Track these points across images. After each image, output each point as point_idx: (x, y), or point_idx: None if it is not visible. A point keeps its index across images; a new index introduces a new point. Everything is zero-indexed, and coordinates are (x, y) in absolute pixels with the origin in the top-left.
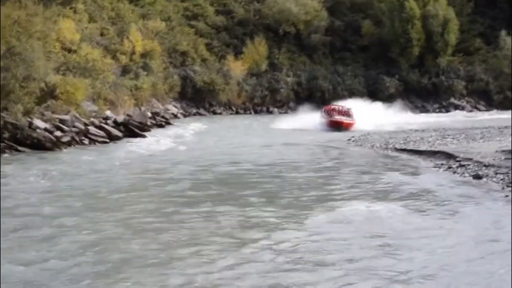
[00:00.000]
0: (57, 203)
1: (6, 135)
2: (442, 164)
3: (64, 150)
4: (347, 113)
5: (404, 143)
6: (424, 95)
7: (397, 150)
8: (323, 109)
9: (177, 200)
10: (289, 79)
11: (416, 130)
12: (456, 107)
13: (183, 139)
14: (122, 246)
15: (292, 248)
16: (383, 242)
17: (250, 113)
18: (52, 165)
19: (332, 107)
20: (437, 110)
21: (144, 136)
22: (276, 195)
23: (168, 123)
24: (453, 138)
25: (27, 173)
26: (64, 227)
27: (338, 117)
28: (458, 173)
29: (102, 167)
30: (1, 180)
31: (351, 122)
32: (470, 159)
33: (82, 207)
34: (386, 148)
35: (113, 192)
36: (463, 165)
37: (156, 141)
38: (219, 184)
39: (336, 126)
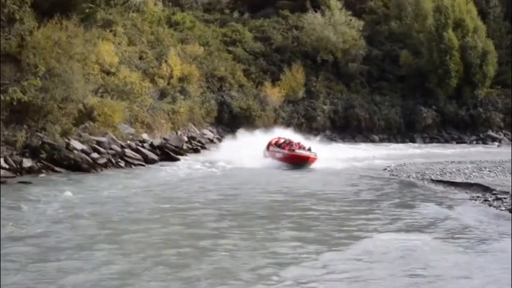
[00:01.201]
0: (70, 232)
1: (44, 155)
2: (478, 196)
3: (100, 171)
4: (304, 147)
5: (440, 174)
6: (461, 126)
7: (433, 181)
8: (270, 143)
9: (198, 233)
10: (325, 107)
11: (453, 162)
12: (494, 140)
13: (216, 165)
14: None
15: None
16: (415, 276)
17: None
18: (81, 188)
19: (282, 139)
20: (474, 142)
21: (178, 160)
22: (309, 227)
23: (204, 148)
24: (489, 171)
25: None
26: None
27: (300, 151)
28: (494, 206)
29: (128, 193)
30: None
31: (315, 157)
32: (507, 193)
33: (92, 237)
34: (423, 179)
35: (132, 223)
36: (500, 198)
37: (190, 167)
38: (243, 215)
39: (299, 162)
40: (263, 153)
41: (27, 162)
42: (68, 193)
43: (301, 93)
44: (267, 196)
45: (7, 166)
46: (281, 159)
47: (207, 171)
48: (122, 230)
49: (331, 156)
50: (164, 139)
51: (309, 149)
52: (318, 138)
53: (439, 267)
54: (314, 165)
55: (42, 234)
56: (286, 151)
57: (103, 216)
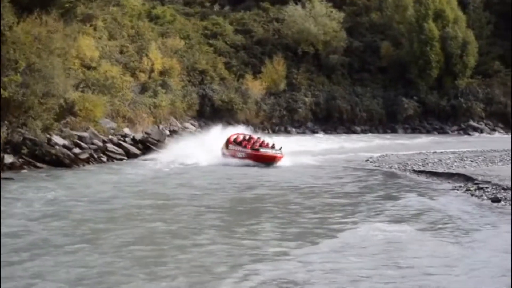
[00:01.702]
0: (44, 231)
1: (25, 151)
2: (460, 186)
3: (82, 167)
4: (267, 144)
5: (422, 164)
6: (443, 117)
7: (415, 172)
8: (229, 140)
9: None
10: (307, 99)
11: (434, 152)
12: (475, 129)
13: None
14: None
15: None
16: (396, 264)
17: (268, 132)
18: (59, 185)
19: (241, 136)
20: (456, 132)
21: (158, 153)
22: (297, 217)
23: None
24: (471, 161)
25: (29, 194)
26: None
27: (265, 150)
28: (476, 196)
29: (107, 188)
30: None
31: (281, 155)
32: (488, 182)
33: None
34: (405, 170)
35: (108, 221)
36: (482, 188)
37: (171, 161)
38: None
39: (265, 162)
40: (221, 152)
41: (8, 158)
42: (48, 190)
43: (282, 86)
44: (249, 191)
45: None
46: (244, 159)
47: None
48: (98, 229)
49: (312, 149)
50: (146, 133)
51: (273, 146)
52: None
53: (421, 258)
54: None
55: (14, 233)
56: (249, 150)
57: (80, 214)
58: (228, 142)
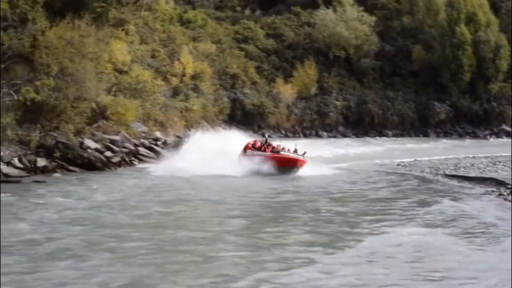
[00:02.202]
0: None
1: (58, 154)
2: (492, 191)
3: (114, 170)
4: (288, 149)
5: (454, 169)
6: (475, 121)
7: (447, 176)
8: (247, 146)
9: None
10: (338, 103)
11: (467, 157)
12: (508, 134)
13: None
14: None
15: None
16: (427, 270)
17: (299, 136)
18: (89, 189)
19: (259, 141)
20: (488, 137)
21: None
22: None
23: None
24: (504, 165)
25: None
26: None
27: (287, 153)
28: (509, 200)
29: (137, 193)
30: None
31: (304, 160)
32: None
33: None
34: (437, 174)
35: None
36: None
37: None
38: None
39: (287, 166)
40: (239, 159)
41: (41, 162)
42: (78, 195)
43: (313, 90)
44: (278, 197)
45: (21, 166)
46: (263, 163)
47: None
48: (124, 236)
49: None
50: (178, 136)
51: (295, 151)
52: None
53: (453, 265)
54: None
55: (36, 239)
56: (269, 153)
57: (107, 220)
58: (246, 148)
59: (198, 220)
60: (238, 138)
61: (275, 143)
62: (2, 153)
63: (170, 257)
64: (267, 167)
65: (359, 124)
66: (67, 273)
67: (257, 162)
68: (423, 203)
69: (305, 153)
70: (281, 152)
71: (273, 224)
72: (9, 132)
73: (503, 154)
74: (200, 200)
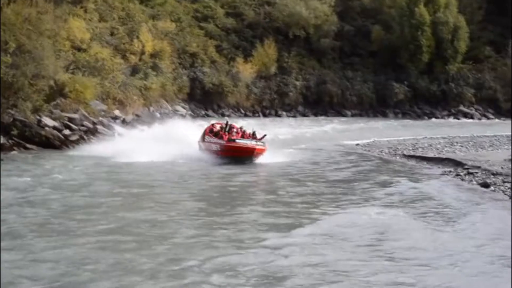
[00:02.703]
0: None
1: (15, 132)
2: (450, 171)
3: (72, 148)
4: (249, 134)
5: (412, 149)
6: (433, 102)
7: (405, 156)
8: (206, 131)
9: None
10: (298, 82)
11: (425, 137)
12: (465, 115)
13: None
14: None
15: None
16: (383, 248)
17: (259, 115)
18: (46, 168)
19: (218, 125)
20: (446, 117)
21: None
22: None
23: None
24: (461, 146)
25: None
26: None
27: (242, 141)
28: (465, 181)
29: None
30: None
31: (263, 148)
32: (478, 167)
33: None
34: (395, 155)
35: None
36: (471, 173)
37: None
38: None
39: (241, 156)
40: (198, 146)
41: None
42: (33, 173)
43: (273, 69)
44: (235, 178)
45: None
46: (218, 153)
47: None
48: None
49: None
50: (137, 115)
51: (253, 135)
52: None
53: (409, 244)
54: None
55: None
56: (223, 142)
57: (58, 201)
58: (204, 133)
59: (152, 202)
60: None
61: (238, 124)
62: None
63: (121, 238)
64: (221, 158)
65: (319, 104)
66: (11, 256)
67: (214, 150)
68: (382, 184)
69: (264, 136)
70: (236, 141)
71: (229, 207)
72: None
73: (460, 135)
74: (156, 181)
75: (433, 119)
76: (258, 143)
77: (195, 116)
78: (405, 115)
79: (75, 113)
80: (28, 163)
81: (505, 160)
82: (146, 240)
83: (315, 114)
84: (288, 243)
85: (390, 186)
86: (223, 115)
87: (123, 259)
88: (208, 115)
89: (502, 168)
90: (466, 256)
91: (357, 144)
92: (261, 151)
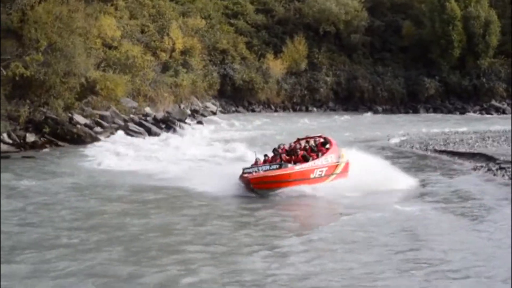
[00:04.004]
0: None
1: (47, 130)
2: (481, 166)
3: (103, 145)
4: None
5: (443, 144)
6: (465, 97)
7: (436, 151)
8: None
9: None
10: (328, 78)
11: (456, 132)
12: (497, 110)
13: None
14: None
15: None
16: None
17: (289, 111)
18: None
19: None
20: (478, 112)
21: (181, 133)
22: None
23: (208, 121)
24: (493, 141)
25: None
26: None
27: (250, 170)
28: (497, 176)
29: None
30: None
31: (283, 173)
32: (509, 162)
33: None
34: (426, 150)
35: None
36: (503, 168)
37: (192, 140)
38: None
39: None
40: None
41: (30, 137)
42: (61, 171)
43: (303, 65)
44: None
45: (10, 141)
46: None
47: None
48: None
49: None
50: (167, 112)
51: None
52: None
53: (438, 237)
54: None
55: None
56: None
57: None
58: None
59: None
60: None
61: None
62: None
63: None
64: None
65: (349, 100)
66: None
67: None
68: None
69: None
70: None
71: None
72: None
73: (492, 130)
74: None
75: (465, 114)
76: (274, 168)
77: (225, 112)
78: (436, 110)
79: (106, 110)
80: (59, 160)
81: None
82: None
83: (346, 110)
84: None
85: (421, 181)
86: (253, 111)
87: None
88: (238, 111)
89: None
90: (487, 247)
91: (389, 139)
92: (272, 180)
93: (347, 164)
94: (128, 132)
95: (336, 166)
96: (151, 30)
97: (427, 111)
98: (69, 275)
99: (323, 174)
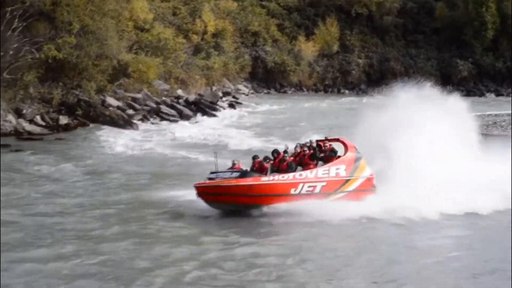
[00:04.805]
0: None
1: (80, 112)
2: None
3: (135, 128)
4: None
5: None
6: (498, 79)
7: None
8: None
9: None
10: (360, 61)
11: (489, 114)
12: None
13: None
14: None
15: None
16: None
17: (321, 93)
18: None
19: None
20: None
21: (214, 116)
22: None
23: (239, 103)
24: None
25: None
26: None
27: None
28: None
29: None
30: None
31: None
32: None
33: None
34: None
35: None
36: None
37: (222, 123)
38: None
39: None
40: None
41: (63, 119)
42: (90, 152)
43: (335, 47)
44: None
45: (44, 123)
46: None
47: None
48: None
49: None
50: (199, 94)
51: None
52: None
53: None
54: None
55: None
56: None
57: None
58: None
59: None
60: None
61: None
62: (24, 111)
63: None
64: None
65: (382, 82)
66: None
67: None
68: None
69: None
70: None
71: None
72: (31, 90)
73: None
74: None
75: (498, 97)
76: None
77: (257, 95)
78: (469, 92)
79: (138, 93)
80: (88, 142)
81: None
82: None
83: (378, 92)
84: None
85: None
86: (285, 93)
87: None
88: (270, 94)
89: None
90: None
91: None
92: (224, 192)
93: (369, 179)
94: (160, 114)
95: (345, 181)
96: (182, 13)
97: (460, 93)
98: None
99: (316, 191)
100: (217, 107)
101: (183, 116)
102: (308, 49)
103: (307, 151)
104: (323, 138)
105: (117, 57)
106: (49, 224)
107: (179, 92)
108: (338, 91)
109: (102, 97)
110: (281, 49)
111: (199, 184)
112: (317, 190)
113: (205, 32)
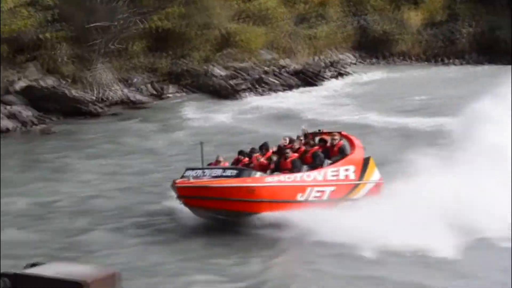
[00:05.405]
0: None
1: (185, 82)
2: None
3: (240, 98)
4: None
5: None
6: None
7: None
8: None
9: None
10: (468, 29)
11: None
12: None
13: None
14: None
15: None
16: None
17: (428, 63)
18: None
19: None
20: None
21: (318, 85)
22: None
23: (346, 73)
24: None
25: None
26: None
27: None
28: None
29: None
30: None
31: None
32: None
33: None
34: None
35: None
36: None
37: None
38: None
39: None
40: None
41: (169, 89)
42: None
43: (442, 16)
44: None
45: (150, 92)
46: None
47: None
48: None
49: None
50: (304, 64)
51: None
52: None
53: None
54: None
55: None
56: None
57: None
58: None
59: None
60: None
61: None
62: (134, 80)
63: None
64: None
65: (491, 52)
66: None
67: None
68: None
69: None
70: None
71: None
72: (139, 59)
73: None
74: None
75: None
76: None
77: (362, 64)
78: None
79: (242, 62)
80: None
81: None
82: None
83: (489, 62)
84: None
85: None
86: (389, 63)
87: None
88: (374, 64)
89: None
90: None
91: None
92: (214, 196)
93: (378, 184)
94: (265, 84)
95: (354, 186)
96: None
97: None
98: None
99: (325, 197)
100: (322, 77)
101: (288, 86)
102: (413, 18)
103: (309, 147)
104: (317, 131)
105: (222, 27)
106: None
107: (285, 61)
108: (447, 60)
109: (206, 67)
110: (384, 18)
111: (181, 182)
112: (326, 196)
113: (309, 1)
